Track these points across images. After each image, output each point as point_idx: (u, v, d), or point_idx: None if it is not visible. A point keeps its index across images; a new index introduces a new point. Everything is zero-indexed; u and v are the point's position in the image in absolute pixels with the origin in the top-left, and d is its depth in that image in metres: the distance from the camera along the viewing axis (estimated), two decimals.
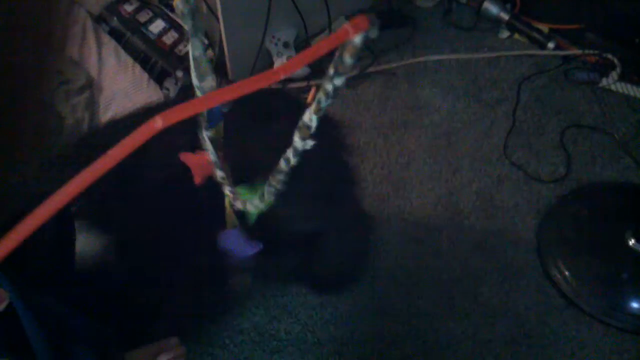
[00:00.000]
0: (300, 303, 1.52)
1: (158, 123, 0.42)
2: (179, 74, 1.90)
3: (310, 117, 0.62)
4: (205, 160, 0.84)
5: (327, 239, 1.39)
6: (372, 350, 1.44)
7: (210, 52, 2.00)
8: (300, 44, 2.13)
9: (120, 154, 0.42)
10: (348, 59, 0.50)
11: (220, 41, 1.93)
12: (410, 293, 1.53)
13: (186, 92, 1.85)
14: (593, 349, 1.42)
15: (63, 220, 1.06)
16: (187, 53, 1.96)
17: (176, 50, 1.96)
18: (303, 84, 2.04)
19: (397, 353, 1.44)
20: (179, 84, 1.89)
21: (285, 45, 2.04)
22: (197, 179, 0.87)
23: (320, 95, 0.57)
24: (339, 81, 0.53)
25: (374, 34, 0.48)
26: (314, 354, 1.43)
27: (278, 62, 2.03)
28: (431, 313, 1.50)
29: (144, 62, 1.92)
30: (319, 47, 0.46)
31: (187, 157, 0.86)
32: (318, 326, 1.48)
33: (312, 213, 1.29)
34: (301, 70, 2.05)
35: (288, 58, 2.02)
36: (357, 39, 0.48)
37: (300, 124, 0.64)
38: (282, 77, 0.47)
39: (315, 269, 1.50)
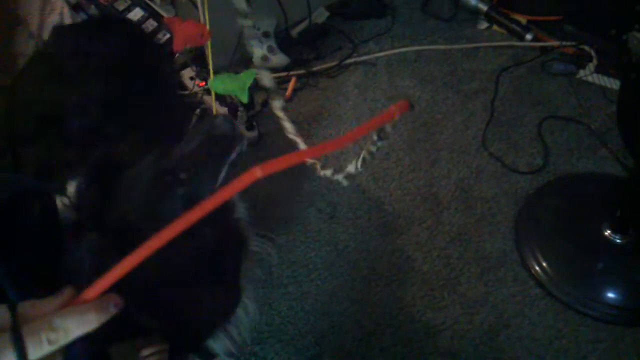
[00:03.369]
0: (281, 295, 1.52)
1: (258, 172, 0.48)
2: None
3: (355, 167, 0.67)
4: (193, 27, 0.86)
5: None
6: (352, 340, 1.45)
7: None
8: (280, 34, 2.12)
9: (224, 196, 0.50)
10: (389, 128, 0.60)
11: None
12: (389, 284, 1.54)
13: None
14: (570, 338, 1.44)
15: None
16: (167, 41, 1.94)
17: (155, 39, 1.94)
18: (283, 74, 2.03)
19: (377, 343, 1.45)
20: None
21: (265, 34, 2.04)
22: (177, 46, 0.89)
23: (364, 154, 0.65)
24: (381, 143, 0.63)
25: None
26: (294, 345, 1.44)
27: (258, 52, 2.02)
28: (410, 303, 1.51)
29: None
30: (369, 125, 0.57)
31: (172, 22, 0.88)
32: (298, 317, 1.48)
33: None
34: (281, 60, 2.05)
35: (268, 47, 2.02)
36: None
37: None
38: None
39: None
